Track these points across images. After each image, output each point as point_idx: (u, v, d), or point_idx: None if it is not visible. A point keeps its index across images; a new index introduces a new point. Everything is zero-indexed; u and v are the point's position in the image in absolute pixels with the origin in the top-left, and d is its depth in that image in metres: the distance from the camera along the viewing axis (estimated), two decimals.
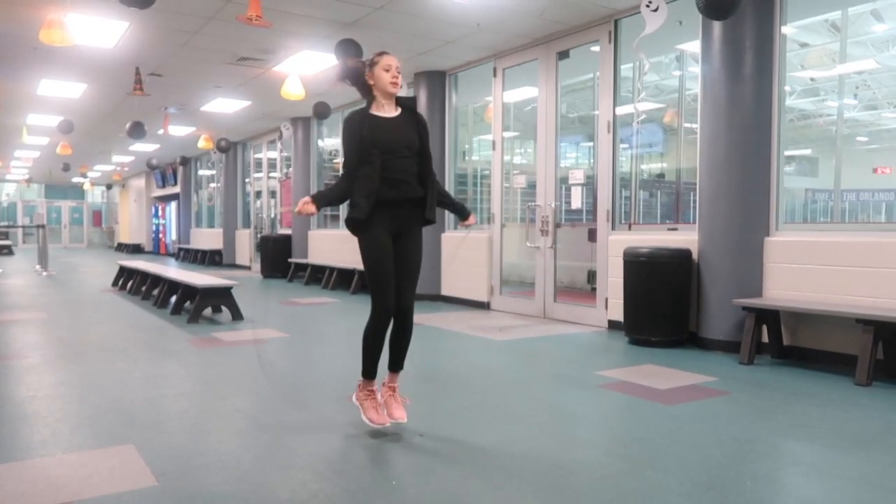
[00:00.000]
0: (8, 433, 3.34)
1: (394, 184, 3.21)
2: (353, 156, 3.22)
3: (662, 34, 5.82)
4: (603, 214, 6.91)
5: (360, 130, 3.20)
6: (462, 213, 3.64)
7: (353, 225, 3.28)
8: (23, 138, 14.54)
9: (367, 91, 3.34)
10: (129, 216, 28.74)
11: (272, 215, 15.09)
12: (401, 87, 3.31)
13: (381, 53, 3.30)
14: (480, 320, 7.42)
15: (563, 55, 7.47)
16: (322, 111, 10.09)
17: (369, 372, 3.35)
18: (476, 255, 8.53)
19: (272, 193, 15.23)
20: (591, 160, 11.02)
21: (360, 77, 3.32)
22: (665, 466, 2.91)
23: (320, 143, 13.14)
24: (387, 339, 3.37)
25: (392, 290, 3.23)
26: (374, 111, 3.30)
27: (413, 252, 3.35)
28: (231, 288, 7.37)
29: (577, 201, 7.90)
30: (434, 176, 3.40)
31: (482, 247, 8.44)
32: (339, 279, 10.69)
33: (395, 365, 3.42)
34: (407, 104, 3.40)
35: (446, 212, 8.92)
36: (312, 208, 3.13)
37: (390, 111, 3.31)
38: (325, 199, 3.26)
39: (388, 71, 3.25)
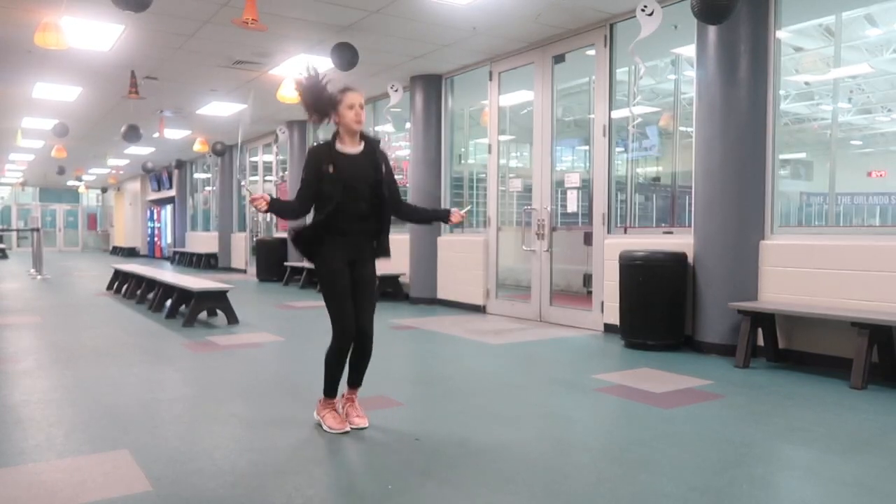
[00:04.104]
0: (2, 438, 3.33)
1: (349, 219, 3.32)
2: (309, 186, 3.33)
3: (658, 38, 5.84)
4: (599, 218, 6.92)
5: (322, 165, 3.30)
6: (443, 217, 3.70)
7: (303, 245, 3.40)
8: (17, 141, 14.50)
9: (315, 109, 3.34)
10: (124, 220, 28.66)
11: (268, 219, 15.06)
12: (363, 123, 3.40)
13: (345, 90, 3.36)
14: (476, 324, 7.41)
15: (559, 59, 7.49)
16: None
17: (331, 392, 3.47)
18: (472, 258, 8.53)
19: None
20: (587, 164, 11.03)
21: (315, 92, 3.33)
22: (661, 470, 2.91)
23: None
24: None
25: (350, 314, 3.35)
26: (338, 146, 3.38)
27: (368, 276, 3.47)
28: (227, 291, 7.35)
29: (572, 205, 7.91)
30: (400, 205, 3.55)
31: (478, 250, 8.44)
32: None
33: (355, 381, 3.54)
34: (370, 140, 3.48)
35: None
36: (264, 206, 3.20)
37: (353, 147, 3.40)
38: (277, 207, 3.37)
39: (351, 109, 3.33)
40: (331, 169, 3.28)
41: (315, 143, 3.47)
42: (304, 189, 3.35)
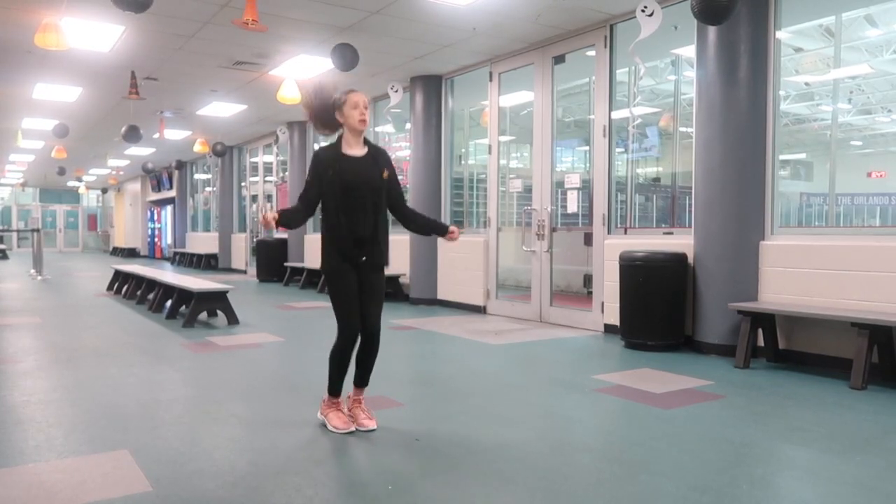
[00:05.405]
0: (2, 438, 3.33)
1: (353, 222, 3.34)
2: (314, 189, 3.36)
3: (658, 39, 5.84)
4: (599, 218, 6.92)
5: (328, 169, 3.33)
6: (441, 231, 3.66)
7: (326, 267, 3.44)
8: (18, 142, 14.50)
9: (325, 125, 3.43)
10: (124, 220, 28.67)
11: None
12: (368, 123, 3.44)
13: (349, 91, 3.40)
14: (477, 324, 7.41)
15: (559, 60, 7.49)
16: None
17: (336, 391, 3.49)
18: (472, 259, 8.53)
19: (268, 197, 15.22)
20: (587, 164, 11.04)
21: (324, 104, 3.40)
22: (661, 470, 2.91)
23: (316, 147, 13.14)
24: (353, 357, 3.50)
25: (355, 312, 3.37)
26: (344, 150, 3.41)
27: (375, 279, 3.47)
28: (227, 292, 7.35)
29: (573, 205, 7.92)
30: (404, 209, 3.58)
31: (478, 251, 8.44)
32: None
33: (362, 381, 3.54)
34: (373, 145, 3.52)
35: (447, 214, 9.04)
36: (273, 225, 3.25)
37: (357, 149, 3.43)
38: (285, 220, 3.36)
39: (356, 108, 3.36)
40: (332, 173, 3.31)
41: (321, 146, 3.49)
42: (307, 191, 3.37)
